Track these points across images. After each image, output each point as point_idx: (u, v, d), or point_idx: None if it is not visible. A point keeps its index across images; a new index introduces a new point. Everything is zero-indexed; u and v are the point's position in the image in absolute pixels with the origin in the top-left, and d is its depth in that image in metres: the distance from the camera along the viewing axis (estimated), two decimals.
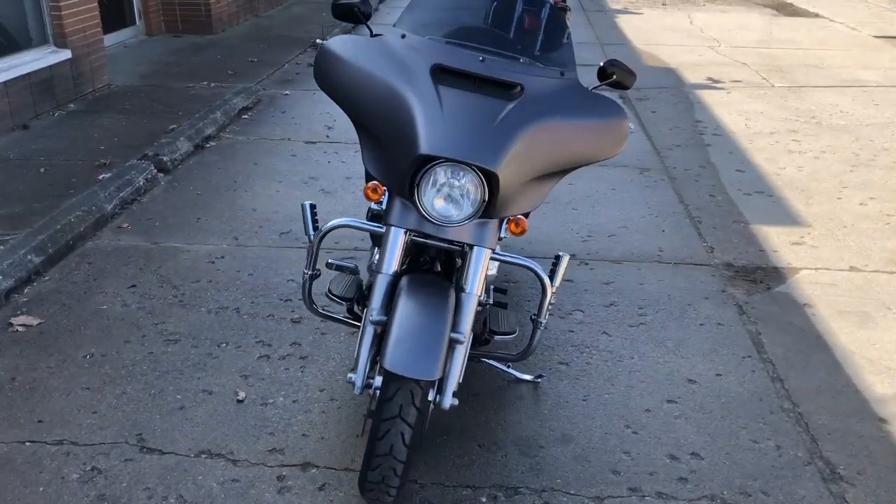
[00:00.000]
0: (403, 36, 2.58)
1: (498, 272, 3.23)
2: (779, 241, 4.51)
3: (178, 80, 7.47)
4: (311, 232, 2.73)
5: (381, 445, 2.23)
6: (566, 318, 3.67)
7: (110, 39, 8.70)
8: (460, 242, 2.53)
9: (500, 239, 2.63)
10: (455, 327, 2.52)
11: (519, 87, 2.50)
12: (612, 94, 7.17)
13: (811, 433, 2.94)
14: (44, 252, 4.01)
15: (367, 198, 2.61)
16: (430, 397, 2.51)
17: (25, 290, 3.80)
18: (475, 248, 2.55)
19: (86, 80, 6.96)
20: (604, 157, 2.67)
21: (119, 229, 4.51)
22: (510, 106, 2.44)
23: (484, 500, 2.58)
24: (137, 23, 9.31)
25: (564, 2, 8.10)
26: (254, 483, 2.62)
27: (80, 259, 4.13)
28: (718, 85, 8.08)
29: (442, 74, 2.49)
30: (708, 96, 7.62)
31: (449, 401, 2.51)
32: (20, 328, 3.48)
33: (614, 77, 2.90)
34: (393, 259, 2.57)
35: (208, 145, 5.96)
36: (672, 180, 5.43)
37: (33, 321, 3.54)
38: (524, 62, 2.59)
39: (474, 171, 2.35)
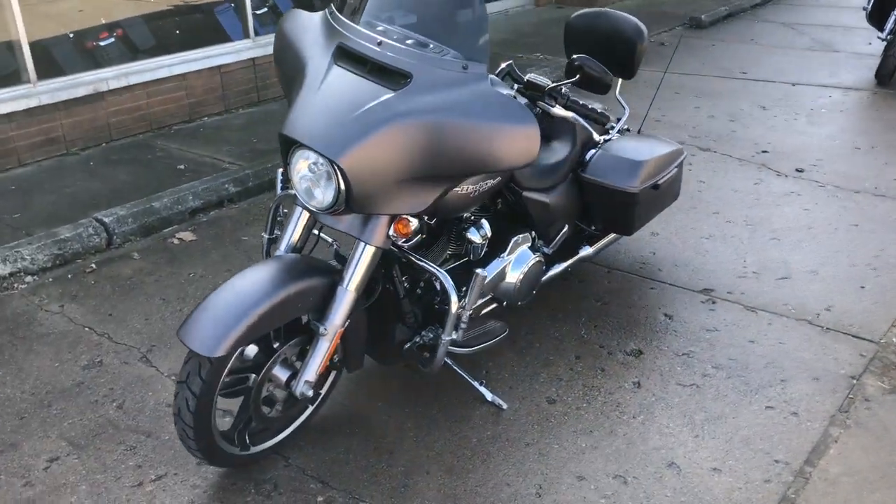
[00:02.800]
0: (332, 12, 2.51)
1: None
2: None
3: (515, 49, 7.75)
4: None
5: (174, 405, 2.34)
6: (614, 354, 3.18)
7: (494, 7, 9.32)
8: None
9: (390, 236, 2.46)
10: (322, 318, 2.46)
11: (410, 77, 2.28)
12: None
13: None
14: (242, 184, 4.71)
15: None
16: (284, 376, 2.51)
17: (211, 213, 4.53)
18: (358, 241, 2.44)
19: None
20: (505, 167, 2.33)
21: None
22: (385, 97, 2.26)
23: (320, 499, 2.51)
24: None
25: None
26: None
27: (272, 196, 4.75)
28: None
29: (345, 54, 2.40)
30: None
31: (300, 388, 2.48)
32: (176, 241, 4.21)
33: (577, 77, 2.44)
34: (290, 238, 2.59)
35: None
36: None
37: (190, 237, 4.24)
38: (431, 49, 2.34)
39: (327, 158, 2.25)
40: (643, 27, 3.37)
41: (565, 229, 3.22)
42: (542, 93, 2.55)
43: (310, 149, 2.27)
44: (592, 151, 3.30)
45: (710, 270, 3.79)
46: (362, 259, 2.45)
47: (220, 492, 2.53)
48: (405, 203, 2.35)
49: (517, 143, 2.29)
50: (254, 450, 2.60)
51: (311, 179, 2.34)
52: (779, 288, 3.63)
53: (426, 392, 2.98)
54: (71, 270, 3.91)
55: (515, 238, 3.07)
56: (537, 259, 3.11)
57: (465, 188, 2.57)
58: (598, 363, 3.13)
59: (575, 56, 2.50)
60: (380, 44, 2.34)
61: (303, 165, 2.34)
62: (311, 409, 2.76)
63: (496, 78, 2.47)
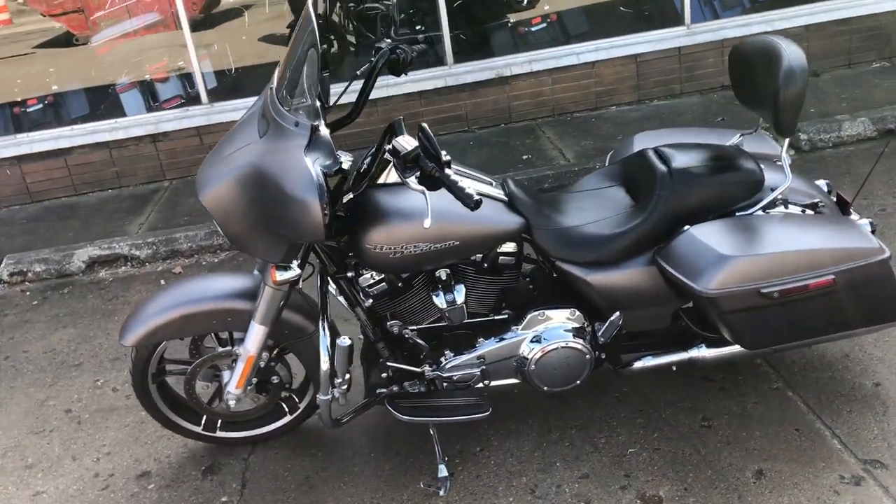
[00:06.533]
0: None
1: None
2: None
3: None
4: None
5: None
6: (628, 490, 2.45)
7: None
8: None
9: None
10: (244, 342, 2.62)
11: (268, 128, 2.23)
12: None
13: None
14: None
15: None
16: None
17: None
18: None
19: None
20: (297, 236, 2.22)
21: None
22: (247, 144, 2.27)
23: (223, 499, 2.69)
24: None
25: None
26: None
27: None
28: None
29: None
30: None
31: (225, 395, 2.69)
32: None
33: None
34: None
35: None
36: None
37: None
38: (300, 103, 2.21)
39: None
40: (797, 68, 2.34)
41: (615, 316, 2.54)
42: (399, 159, 2.12)
43: None
44: (685, 228, 2.48)
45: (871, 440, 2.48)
46: (264, 296, 2.48)
47: (178, 453, 2.91)
48: (261, 250, 2.34)
49: (298, 213, 2.12)
50: (220, 434, 2.89)
51: None
52: None
53: (405, 444, 2.80)
54: None
55: (537, 312, 2.59)
56: (573, 345, 2.57)
57: (382, 248, 2.36)
58: (598, 492, 2.46)
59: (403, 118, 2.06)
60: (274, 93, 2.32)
61: None
62: (289, 417, 2.89)
63: (326, 138, 2.18)
